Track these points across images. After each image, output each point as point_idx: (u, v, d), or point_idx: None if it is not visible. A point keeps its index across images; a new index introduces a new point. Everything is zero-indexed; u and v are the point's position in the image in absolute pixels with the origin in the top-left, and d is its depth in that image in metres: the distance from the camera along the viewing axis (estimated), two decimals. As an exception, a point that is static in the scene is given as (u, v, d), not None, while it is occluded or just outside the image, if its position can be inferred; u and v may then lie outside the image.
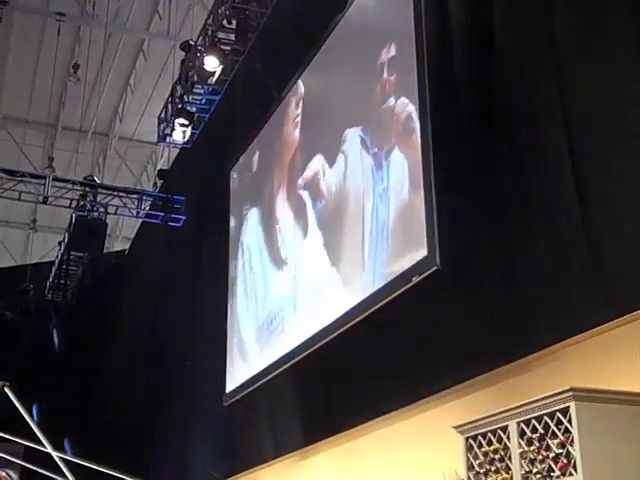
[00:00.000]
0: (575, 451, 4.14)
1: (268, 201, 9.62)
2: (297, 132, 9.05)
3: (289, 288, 8.79)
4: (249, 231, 10.24)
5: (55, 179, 13.12)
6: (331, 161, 8.02)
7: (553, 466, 4.27)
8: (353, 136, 7.64)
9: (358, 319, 7.04)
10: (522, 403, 4.53)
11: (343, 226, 7.65)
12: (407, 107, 6.70)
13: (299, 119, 9.02)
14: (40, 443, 3.56)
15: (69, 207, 13.49)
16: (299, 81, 9.08)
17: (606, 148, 4.80)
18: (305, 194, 8.60)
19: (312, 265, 8.24)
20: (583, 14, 5.10)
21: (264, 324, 9.32)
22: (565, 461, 4.19)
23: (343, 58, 8.19)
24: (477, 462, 4.86)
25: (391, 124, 6.99)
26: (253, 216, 10.11)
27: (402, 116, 6.81)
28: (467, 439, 4.98)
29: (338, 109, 8.14)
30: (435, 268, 5.98)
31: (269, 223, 9.57)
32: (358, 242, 7.30)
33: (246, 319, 9.94)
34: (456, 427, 5.08)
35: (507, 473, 4.61)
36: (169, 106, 12.22)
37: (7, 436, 3.85)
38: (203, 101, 11.81)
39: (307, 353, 7.95)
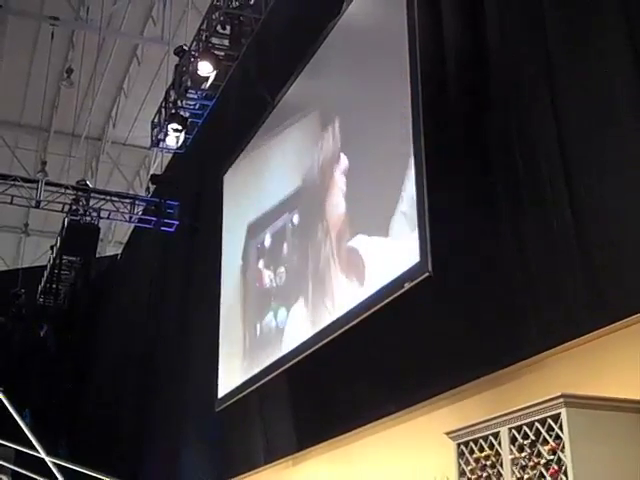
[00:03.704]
0: (566, 457, 4.15)
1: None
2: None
3: (282, 295, 8.80)
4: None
5: (48, 183, 13.10)
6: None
7: (544, 472, 4.28)
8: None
9: (350, 325, 7.04)
10: (513, 409, 4.54)
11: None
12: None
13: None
14: (32, 447, 3.56)
15: (61, 211, 13.48)
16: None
17: (597, 154, 4.82)
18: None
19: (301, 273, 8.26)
20: (577, 25, 5.12)
21: (257, 330, 9.32)
22: (556, 467, 4.20)
23: (335, 67, 8.25)
24: (469, 468, 4.87)
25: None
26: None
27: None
28: (459, 445, 4.99)
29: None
30: (427, 274, 6.00)
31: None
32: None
33: (239, 325, 9.96)
34: (448, 433, 5.09)
35: (498, 479, 4.62)
36: (162, 111, 12.21)
37: (-1, 440, 3.85)
38: (197, 106, 11.81)
39: (299, 359, 7.94)
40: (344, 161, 7.70)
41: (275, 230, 9.28)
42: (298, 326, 8.20)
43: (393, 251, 6.64)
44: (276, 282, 9.07)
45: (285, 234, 8.99)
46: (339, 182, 7.75)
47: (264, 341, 9.04)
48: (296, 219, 8.74)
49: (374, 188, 7.13)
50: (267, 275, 9.34)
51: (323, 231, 7.99)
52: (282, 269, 8.94)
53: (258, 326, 9.31)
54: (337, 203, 7.76)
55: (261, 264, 9.58)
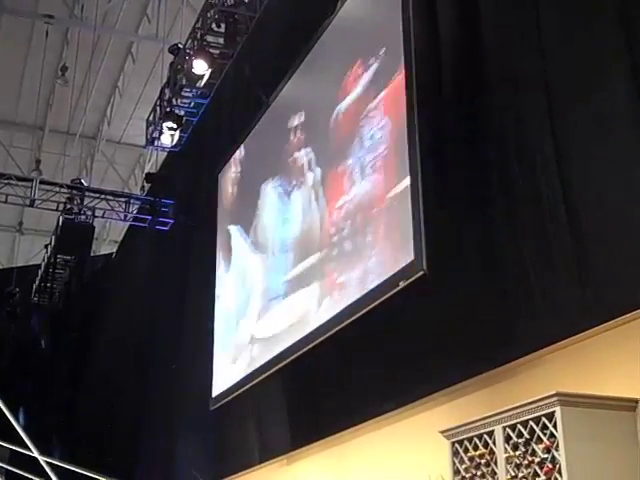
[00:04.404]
0: (560, 456, 4.16)
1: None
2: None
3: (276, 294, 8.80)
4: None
5: (42, 182, 13.08)
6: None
7: (538, 471, 4.29)
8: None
9: (345, 323, 7.04)
10: (508, 408, 4.55)
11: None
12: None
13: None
14: (26, 447, 3.55)
15: (56, 210, 13.45)
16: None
17: (592, 151, 4.83)
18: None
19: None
20: (573, 23, 5.13)
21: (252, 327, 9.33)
22: (550, 466, 4.21)
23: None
24: (463, 467, 4.87)
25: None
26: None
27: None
28: (453, 444, 4.99)
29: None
30: (422, 273, 6.00)
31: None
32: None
33: (233, 323, 9.95)
34: (442, 432, 5.09)
35: (493, 478, 4.63)
36: (157, 109, 12.20)
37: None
38: (191, 104, 11.80)
39: (294, 357, 7.94)
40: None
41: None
42: (292, 325, 8.27)
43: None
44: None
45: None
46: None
47: (258, 340, 9.13)
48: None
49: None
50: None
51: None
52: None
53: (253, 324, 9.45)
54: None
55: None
